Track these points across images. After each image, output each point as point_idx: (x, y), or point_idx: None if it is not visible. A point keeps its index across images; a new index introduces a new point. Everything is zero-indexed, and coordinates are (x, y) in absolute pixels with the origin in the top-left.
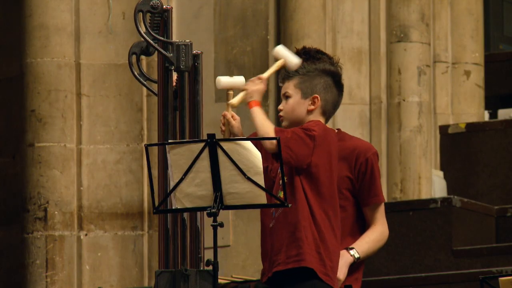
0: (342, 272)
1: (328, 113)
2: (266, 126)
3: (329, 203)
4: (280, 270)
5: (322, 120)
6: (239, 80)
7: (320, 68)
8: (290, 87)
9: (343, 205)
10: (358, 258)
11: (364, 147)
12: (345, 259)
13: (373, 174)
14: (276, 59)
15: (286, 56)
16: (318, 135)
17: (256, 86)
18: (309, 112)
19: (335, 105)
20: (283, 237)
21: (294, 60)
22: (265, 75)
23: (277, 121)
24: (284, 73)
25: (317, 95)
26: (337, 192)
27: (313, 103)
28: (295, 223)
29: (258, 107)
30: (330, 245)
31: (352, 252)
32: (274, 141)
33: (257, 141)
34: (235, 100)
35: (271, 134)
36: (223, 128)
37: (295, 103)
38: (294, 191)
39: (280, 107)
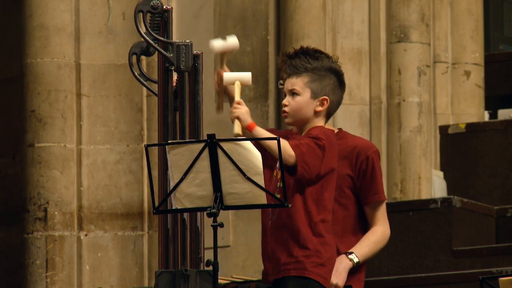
0: (341, 278)
1: (332, 113)
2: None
3: (328, 205)
4: (280, 277)
5: (324, 121)
6: (232, 41)
7: (327, 66)
8: (299, 84)
9: (344, 203)
10: (358, 262)
11: (365, 145)
12: (344, 264)
13: (374, 172)
14: (230, 83)
15: (237, 76)
16: (327, 144)
17: (242, 109)
18: (316, 113)
19: (338, 105)
20: (281, 242)
21: (246, 76)
22: (238, 98)
23: (277, 121)
24: (292, 68)
25: (326, 97)
26: (339, 190)
27: (322, 104)
28: (292, 229)
29: (258, 127)
30: (329, 249)
31: (351, 256)
32: (293, 154)
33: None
34: (238, 130)
35: (288, 148)
36: (216, 87)
37: (304, 102)
38: (293, 197)
39: (285, 102)
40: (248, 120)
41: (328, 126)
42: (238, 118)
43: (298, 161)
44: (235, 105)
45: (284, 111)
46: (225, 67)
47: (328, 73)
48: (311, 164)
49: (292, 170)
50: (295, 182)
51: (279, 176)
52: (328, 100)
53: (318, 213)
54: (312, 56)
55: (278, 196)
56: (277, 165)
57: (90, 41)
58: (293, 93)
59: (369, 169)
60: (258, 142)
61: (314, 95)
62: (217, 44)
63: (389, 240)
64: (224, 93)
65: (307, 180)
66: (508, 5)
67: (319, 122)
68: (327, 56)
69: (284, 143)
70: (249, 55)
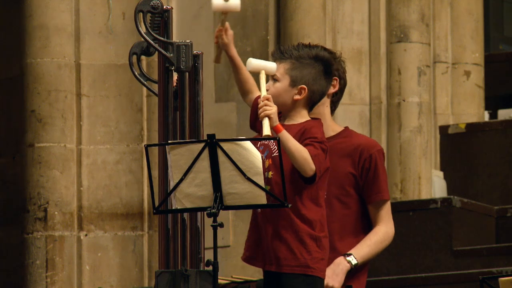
0: (338, 280)
1: (313, 103)
2: (302, 151)
3: (322, 202)
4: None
5: (307, 110)
6: (233, 2)
7: (313, 54)
8: (280, 70)
9: (346, 201)
10: (356, 264)
11: (369, 144)
12: (341, 266)
13: (377, 171)
14: (255, 71)
15: (263, 66)
16: (328, 146)
17: (273, 108)
18: (295, 101)
19: (322, 95)
20: (278, 235)
21: (272, 65)
22: (265, 93)
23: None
24: (278, 53)
25: (304, 87)
26: (340, 188)
27: (300, 93)
28: (292, 226)
29: (285, 131)
30: (326, 241)
31: (349, 258)
32: (314, 168)
33: (257, 141)
34: (268, 131)
35: (309, 159)
36: (216, 40)
37: (282, 89)
38: (290, 194)
39: (266, 86)
40: (277, 120)
41: (333, 123)
42: (268, 117)
43: (317, 172)
44: (265, 101)
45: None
46: (227, 25)
47: (312, 62)
48: (321, 171)
49: (306, 179)
50: (292, 181)
51: (266, 165)
52: (307, 90)
53: (315, 210)
54: (305, 45)
55: (268, 187)
56: (264, 154)
57: (90, 41)
58: (274, 79)
59: (372, 168)
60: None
61: (293, 83)
62: (217, 2)
63: (393, 238)
64: (223, 48)
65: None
66: (508, 5)
67: (302, 111)
68: (330, 52)
69: (307, 154)
70: (249, 55)
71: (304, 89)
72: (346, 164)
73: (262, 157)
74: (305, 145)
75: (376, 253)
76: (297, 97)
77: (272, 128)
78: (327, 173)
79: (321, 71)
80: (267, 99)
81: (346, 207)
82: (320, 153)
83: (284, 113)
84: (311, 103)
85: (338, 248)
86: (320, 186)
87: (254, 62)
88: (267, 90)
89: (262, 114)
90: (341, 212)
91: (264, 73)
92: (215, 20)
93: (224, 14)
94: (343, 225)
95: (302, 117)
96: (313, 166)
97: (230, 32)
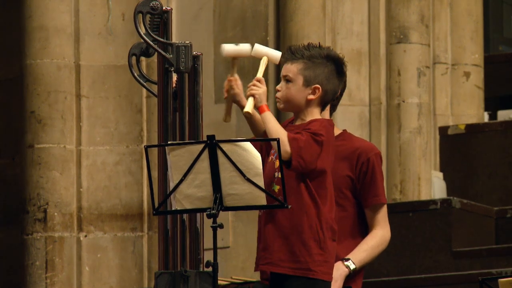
0: (336, 286)
1: (326, 102)
2: (280, 133)
3: (327, 202)
4: (279, 273)
5: (319, 109)
6: (244, 47)
7: (325, 53)
8: (292, 71)
9: (342, 204)
10: (355, 268)
11: (367, 147)
12: (340, 271)
13: (374, 175)
14: (258, 57)
15: (266, 52)
16: (326, 140)
17: (261, 89)
18: (308, 101)
19: (335, 94)
20: (280, 236)
21: (276, 54)
22: (260, 75)
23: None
24: (289, 54)
25: (318, 86)
26: (337, 191)
27: (314, 92)
28: (296, 226)
29: (269, 112)
30: (330, 244)
31: (347, 263)
32: (289, 150)
33: (257, 142)
34: (249, 108)
35: (285, 141)
36: (226, 94)
37: (295, 89)
38: (294, 193)
39: (279, 87)
40: (263, 101)
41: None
42: (253, 96)
43: (294, 156)
44: (254, 82)
45: (277, 97)
46: (236, 75)
47: (324, 61)
48: (306, 159)
49: (286, 163)
50: (296, 180)
51: (276, 166)
52: (321, 89)
53: (321, 211)
54: (315, 45)
55: (277, 187)
56: (275, 155)
57: (90, 42)
58: (287, 79)
59: (369, 171)
60: (258, 126)
61: (307, 83)
62: (228, 47)
63: (389, 241)
64: (232, 101)
65: (303, 175)
66: (508, 6)
67: (313, 110)
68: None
69: (284, 137)
70: (249, 56)
71: (318, 88)
72: (344, 167)
73: (271, 157)
74: (295, 133)
75: (374, 257)
76: (311, 97)
77: (257, 108)
78: (326, 171)
79: (334, 70)
80: (258, 81)
81: (343, 210)
82: (303, 139)
83: (296, 113)
84: (323, 103)
85: (336, 251)
86: (322, 184)
87: (258, 48)
88: (278, 91)
89: (248, 92)
90: (338, 215)
91: (267, 59)
92: (215, 21)
93: (234, 60)
94: (340, 227)
95: (313, 116)
96: (288, 149)
97: (240, 82)
